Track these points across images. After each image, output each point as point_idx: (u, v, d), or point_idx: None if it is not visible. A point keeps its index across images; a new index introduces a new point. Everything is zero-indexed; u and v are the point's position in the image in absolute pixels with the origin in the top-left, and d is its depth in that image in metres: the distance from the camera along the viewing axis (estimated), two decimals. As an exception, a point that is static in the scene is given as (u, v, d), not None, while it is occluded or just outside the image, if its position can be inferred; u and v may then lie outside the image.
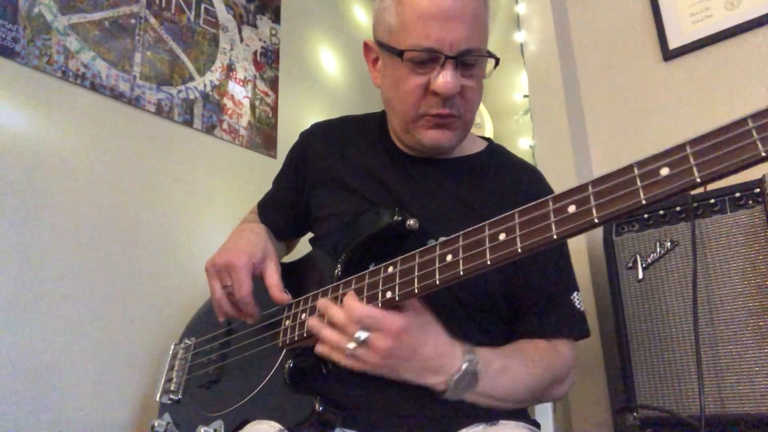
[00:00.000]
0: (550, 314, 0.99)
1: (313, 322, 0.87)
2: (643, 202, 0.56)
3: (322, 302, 0.88)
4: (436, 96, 0.95)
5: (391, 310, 0.81)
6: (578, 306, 1.02)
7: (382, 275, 0.83)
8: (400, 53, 0.94)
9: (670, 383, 1.21)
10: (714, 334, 1.17)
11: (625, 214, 0.59)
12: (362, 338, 0.79)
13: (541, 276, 1.00)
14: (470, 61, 0.95)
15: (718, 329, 1.16)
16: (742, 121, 0.50)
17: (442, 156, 1.09)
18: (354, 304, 0.81)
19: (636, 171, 0.58)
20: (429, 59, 0.93)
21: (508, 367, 0.89)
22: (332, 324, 0.84)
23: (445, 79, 0.92)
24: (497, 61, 0.99)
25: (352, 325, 0.80)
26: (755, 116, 0.49)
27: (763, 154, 0.47)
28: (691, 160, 0.52)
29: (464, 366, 0.81)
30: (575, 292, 1.03)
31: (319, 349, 0.86)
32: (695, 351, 1.15)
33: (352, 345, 0.80)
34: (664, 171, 0.54)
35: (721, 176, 0.50)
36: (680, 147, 0.54)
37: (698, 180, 0.51)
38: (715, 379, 1.14)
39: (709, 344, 1.17)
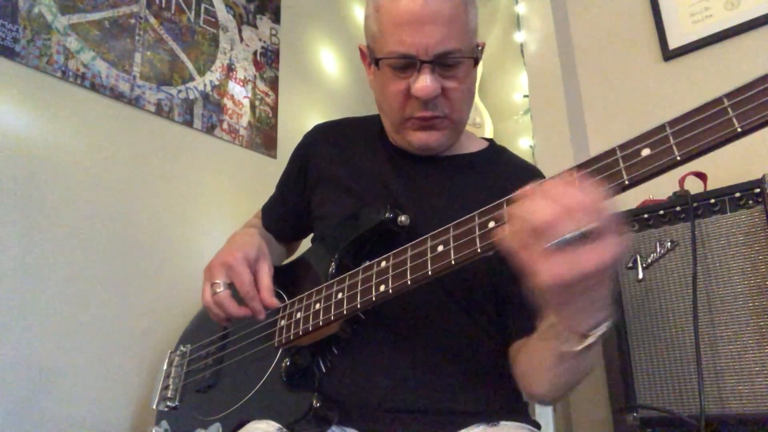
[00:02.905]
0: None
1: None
2: (626, 182, 0.57)
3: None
4: (417, 100, 0.95)
5: None
6: None
7: (375, 269, 0.83)
8: (377, 61, 0.96)
9: (670, 383, 1.20)
10: (714, 334, 1.16)
11: (611, 196, 0.59)
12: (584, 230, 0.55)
13: None
14: (448, 62, 0.94)
15: (718, 329, 1.16)
16: (719, 100, 0.51)
17: (441, 154, 1.09)
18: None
19: (618, 153, 0.59)
20: (407, 65, 0.94)
21: None
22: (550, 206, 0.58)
23: (422, 83, 0.92)
24: (476, 61, 0.98)
25: (586, 211, 0.56)
26: (730, 95, 0.51)
27: (739, 130, 0.48)
28: (671, 139, 0.54)
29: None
30: None
31: (507, 238, 0.62)
32: (695, 351, 1.14)
33: (569, 235, 0.56)
34: (646, 151, 0.56)
35: (700, 153, 0.51)
36: (660, 128, 0.55)
37: (678, 158, 0.52)
38: (715, 379, 1.13)
39: (709, 344, 1.16)
